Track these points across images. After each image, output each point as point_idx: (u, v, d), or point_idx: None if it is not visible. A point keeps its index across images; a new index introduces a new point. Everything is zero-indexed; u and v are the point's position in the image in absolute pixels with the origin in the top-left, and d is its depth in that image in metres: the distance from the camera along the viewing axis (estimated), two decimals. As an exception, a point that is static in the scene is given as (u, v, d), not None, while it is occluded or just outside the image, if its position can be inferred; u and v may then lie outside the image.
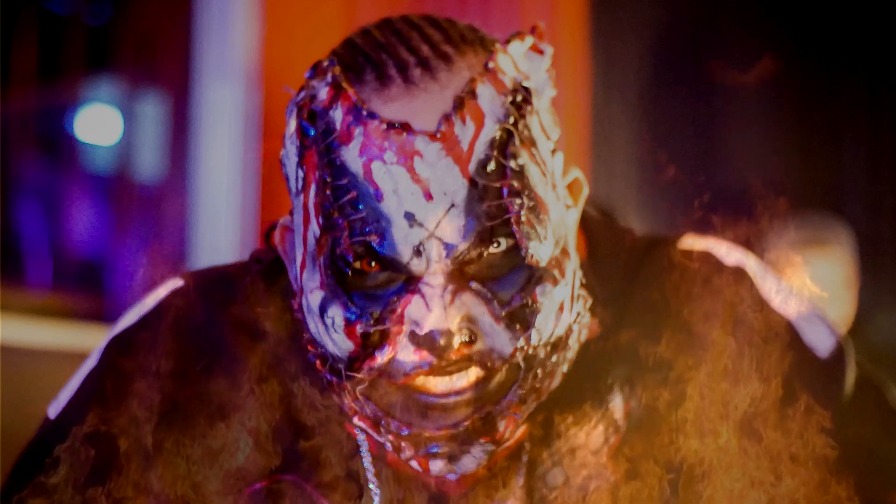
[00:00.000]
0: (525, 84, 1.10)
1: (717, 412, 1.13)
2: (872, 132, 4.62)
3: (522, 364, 1.09)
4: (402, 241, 1.05)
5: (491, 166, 1.06)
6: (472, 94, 1.07)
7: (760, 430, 1.11)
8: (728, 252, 1.22)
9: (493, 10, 3.98)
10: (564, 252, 1.11)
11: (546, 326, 1.09)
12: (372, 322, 1.08)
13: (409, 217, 1.05)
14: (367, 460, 1.18)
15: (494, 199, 1.06)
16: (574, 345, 1.14)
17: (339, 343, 1.09)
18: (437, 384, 1.08)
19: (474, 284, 1.07)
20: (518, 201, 1.06)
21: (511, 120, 1.08)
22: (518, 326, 1.08)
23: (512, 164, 1.07)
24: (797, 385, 1.13)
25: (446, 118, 1.06)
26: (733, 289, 1.19)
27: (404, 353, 1.07)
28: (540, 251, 1.08)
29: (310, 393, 1.17)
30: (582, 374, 1.16)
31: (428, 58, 1.08)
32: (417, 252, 1.05)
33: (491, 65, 1.09)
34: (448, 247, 1.05)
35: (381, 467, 1.17)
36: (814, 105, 4.60)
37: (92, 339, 1.38)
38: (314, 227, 1.09)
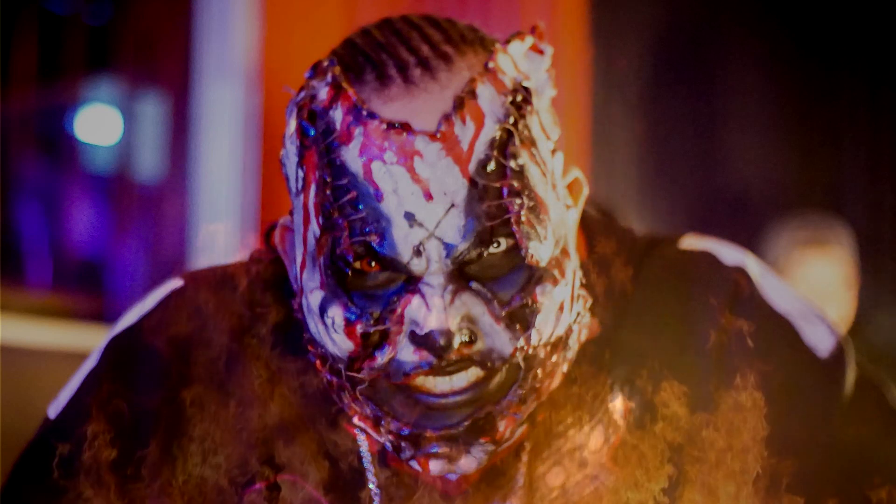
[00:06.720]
0: (525, 84, 1.10)
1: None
2: (872, 132, 4.62)
3: (522, 364, 1.09)
4: (402, 241, 1.05)
5: (491, 166, 1.06)
6: (472, 94, 1.07)
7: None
8: (728, 252, 1.22)
9: (493, 10, 3.99)
10: (564, 252, 1.11)
11: (546, 326, 1.09)
12: (372, 322, 1.07)
13: (409, 217, 1.05)
14: (367, 460, 1.18)
15: (494, 199, 1.06)
16: (574, 345, 1.14)
17: (339, 343, 1.09)
18: (437, 384, 1.08)
19: (474, 284, 1.07)
20: (518, 201, 1.06)
21: (511, 120, 1.08)
22: (518, 326, 1.08)
23: (512, 164, 1.07)
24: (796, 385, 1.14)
25: (446, 118, 1.06)
26: (733, 289, 1.19)
27: (404, 353, 1.07)
28: (540, 251, 1.07)
29: (309, 392, 1.17)
30: (582, 374, 1.15)
31: (428, 58, 1.08)
32: (417, 252, 1.05)
33: (491, 65, 1.09)
34: (448, 247, 1.05)
35: (381, 467, 1.17)
36: (814, 105, 4.60)
37: (92, 339, 1.38)
38: (314, 227, 1.09)
